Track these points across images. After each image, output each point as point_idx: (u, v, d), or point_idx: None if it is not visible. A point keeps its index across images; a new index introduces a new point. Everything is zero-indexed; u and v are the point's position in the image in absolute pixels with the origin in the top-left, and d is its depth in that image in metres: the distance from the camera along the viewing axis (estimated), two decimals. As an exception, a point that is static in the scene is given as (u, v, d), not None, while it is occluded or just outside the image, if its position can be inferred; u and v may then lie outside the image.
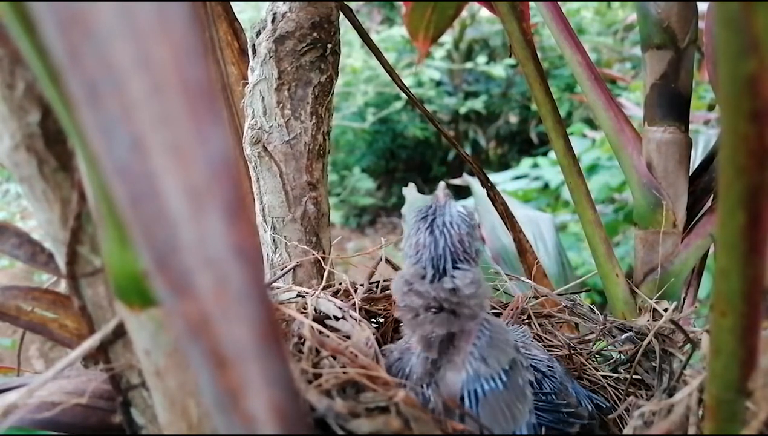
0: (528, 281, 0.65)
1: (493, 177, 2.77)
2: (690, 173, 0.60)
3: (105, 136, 0.18)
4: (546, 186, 2.61)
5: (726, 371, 0.27)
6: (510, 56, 0.66)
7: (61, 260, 0.31)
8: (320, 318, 0.49)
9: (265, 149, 0.56)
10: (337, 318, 0.48)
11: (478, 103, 3.87)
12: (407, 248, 0.42)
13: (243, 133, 0.58)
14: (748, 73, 0.20)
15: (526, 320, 0.60)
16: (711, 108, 1.96)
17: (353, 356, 0.39)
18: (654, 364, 0.48)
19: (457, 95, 4.04)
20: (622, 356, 0.55)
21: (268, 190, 0.58)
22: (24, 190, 0.31)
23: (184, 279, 0.18)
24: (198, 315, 0.18)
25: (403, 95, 1.04)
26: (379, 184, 4.25)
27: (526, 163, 2.86)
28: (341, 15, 0.57)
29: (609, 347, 0.57)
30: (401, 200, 1.44)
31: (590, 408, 0.46)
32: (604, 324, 0.55)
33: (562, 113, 2.68)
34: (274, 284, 0.56)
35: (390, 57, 3.80)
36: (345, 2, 0.58)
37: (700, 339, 0.43)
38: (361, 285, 0.56)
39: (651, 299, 0.58)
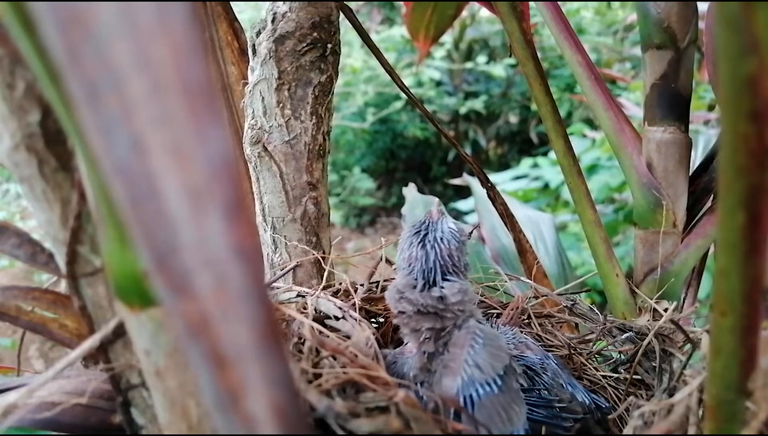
0: (528, 281, 0.65)
1: (493, 177, 2.77)
2: (690, 173, 0.60)
3: (105, 136, 0.18)
4: (546, 186, 2.61)
5: (726, 371, 0.27)
6: (510, 56, 0.66)
7: (61, 260, 0.31)
8: (320, 318, 0.49)
9: (265, 149, 0.56)
10: (337, 318, 0.48)
11: (478, 103, 3.87)
12: (400, 260, 0.46)
13: (243, 133, 0.58)
14: (748, 73, 0.20)
15: (526, 320, 0.60)
16: (711, 108, 1.96)
17: (353, 356, 0.39)
18: (654, 364, 0.48)
19: (457, 95, 4.04)
20: (622, 356, 0.55)
21: (268, 190, 0.58)
22: (24, 190, 0.31)
23: (184, 279, 0.18)
24: (198, 315, 0.18)
25: (403, 95, 1.04)
26: (379, 184, 4.25)
27: (526, 163, 2.86)
28: (341, 15, 0.57)
29: (609, 347, 0.57)
30: (401, 200, 1.44)
31: (587, 403, 0.46)
32: (604, 324, 0.55)
33: (562, 113, 2.68)
34: (274, 284, 0.56)
35: (390, 57, 3.80)
36: (345, 2, 0.58)
37: (700, 339, 0.43)
38: (361, 285, 0.56)
39: (651, 299, 0.58)
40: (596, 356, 0.58)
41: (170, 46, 0.18)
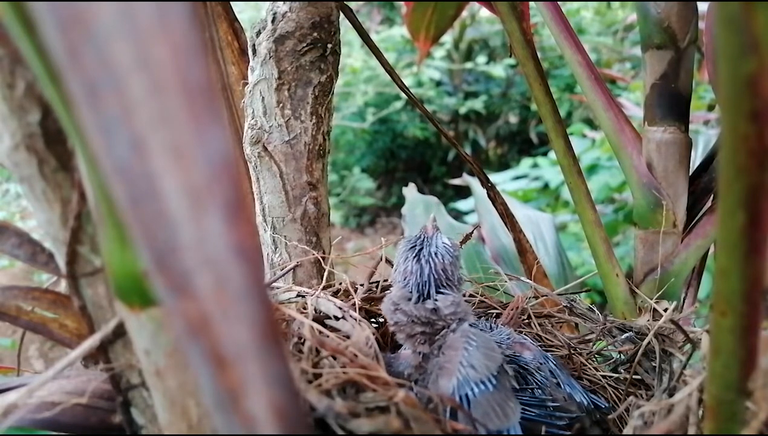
0: (528, 281, 0.65)
1: (493, 177, 2.77)
2: (690, 173, 0.60)
3: (105, 136, 0.18)
4: (546, 186, 2.61)
5: (726, 371, 0.27)
6: (510, 56, 0.66)
7: (61, 260, 0.31)
8: (320, 318, 0.49)
9: (265, 149, 0.56)
10: (337, 318, 0.48)
11: (478, 103, 3.87)
12: (396, 274, 0.48)
13: (243, 133, 0.58)
14: (748, 73, 0.20)
15: (526, 320, 0.60)
16: (711, 108, 1.96)
17: (353, 356, 0.39)
18: (654, 364, 0.48)
19: (457, 95, 4.04)
20: (622, 356, 0.55)
21: (268, 190, 0.58)
22: (24, 190, 0.31)
23: (184, 279, 0.18)
24: (198, 315, 0.18)
25: (403, 95, 1.04)
26: (379, 184, 4.25)
27: (526, 163, 2.86)
28: (341, 15, 0.57)
29: (609, 347, 0.57)
30: (401, 200, 1.44)
31: (586, 403, 0.46)
32: (604, 324, 0.55)
33: (562, 113, 2.68)
34: (274, 284, 0.56)
35: (390, 57, 3.80)
36: (345, 2, 0.58)
37: (700, 339, 0.43)
38: (361, 285, 0.56)
39: (651, 299, 0.58)
40: (596, 356, 0.58)
41: (170, 46, 0.18)
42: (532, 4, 0.66)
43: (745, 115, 0.21)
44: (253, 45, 0.56)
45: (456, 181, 1.97)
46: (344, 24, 0.59)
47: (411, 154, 4.26)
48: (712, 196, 0.60)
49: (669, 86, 0.57)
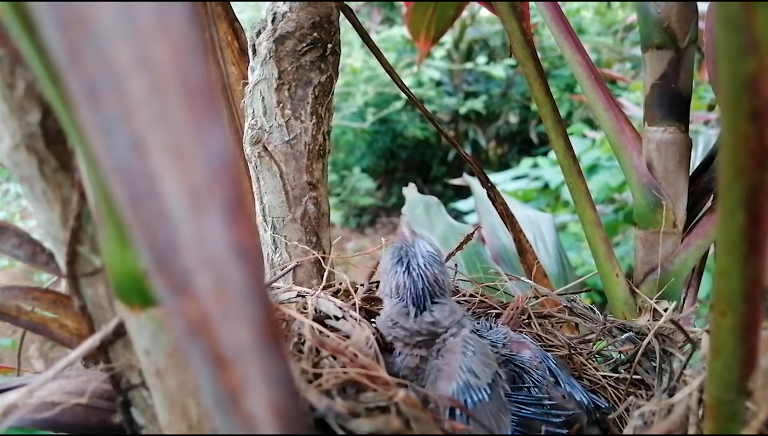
0: (528, 281, 0.65)
1: (493, 177, 2.77)
2: (690, 173, 0.60)
3: (105, 136, 0.18)
4: (546, 186, 2.61)
5: (726, 371, 0.27)
6: (510, 56, 0.66)
7: (61, 260, 0.31)
8: (320, 318, 0.48)
9: (265, 149, 0.56)
10: (337, 318, 0.48)
11: (478, 103, 3.87)
12: (386, 288, 0.48)
13: (243, 133, 0.58)
14: (748, 73, 0.20)
15: (526, 320, 0.60)
16: (711, 108, 1.96)
17: (353, 356, 0.39)
18: (654, 364, 0.48)
19: (457, 95, 4.04)
20: (622, 356, 0.55)
21: (268, 190, 0.58)
22: (24, 190, 0.31)
23: (184, 279, 0.18)
24: (198, 315, 0.18)
25: (403, 95, 1.04)
26: (379, 184, 4.25)
27: (526, 163, 2.86)
28: (341, 15, 0.57)
29: (609, 347, 0.57)
30: (401, 200, 1.44)
31: (586, 403, 0.46)
32: (604, 324, 0.55)
33: (562, 113, 2.68)
34: (274, 284, 0.56)
35: (390, 57, 3.80)
36: (345, 2, 0.58)
37: (700, 339, 0.43)
38: (361, 285, 0.56)
39: (651, 299, 0.58)
40: (596, 356, 0.58)
41: (170, 46, 0.18)
42: (532, 4, 0.66)
43: (745, 115, 0.21)
44: (253, 45, 0.56)
45: (456, 181, 1.97)
46: (344, 24, 0.59)
47: (411, 154, 4.26)
48: (712, 196, 0.60)
49: (669, 86, 0.57)
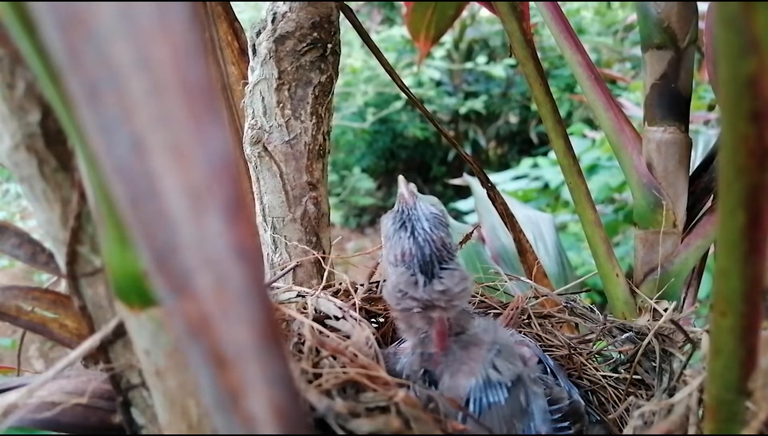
0: (528, 281, 0.65)
1: (493, 177, 2.77)
2: (690, 173, 0.60)
3: (105, 136, 0.18)
4: (546, 186, 2.61)
5: (726, 371, 0.27)
6: (510, 56, 0.66)
7: (61, 260, 0.31)
8: (320, 318, 0.49)
9: (265, 149, 0.56)
10: (337, 318, 0.48)
11: (478, 103, 3.87)
12: (391, 256, 0.44)
13: (243, 133, 0.58)
14: (748, 73, 0.20)
15: (526, 320, 0.60)
16: (711, 108, 1.96)
17: (353, 356, 0.39)
18: (654, 364, 0.48)
19: (457, 95, 4.04)
20: (622, 356, 0.55)
21: (268, 190, 0.58)
22: (24, 190, 0.31)
23: (184, 279, 0.18)
24: (198, 315, 0.18)
25: (403, 95, 1.04)
26: (379, 184, 4.24)
27: (526, 163, 2.86)
28: (341, 15, 0.57)
29: (609, 347, 0.57)
30: (401, 200, 1.44)
31: (584, 405, 0.46)
32: (604, 324, 0.55)
33: (562, 113, 2.68)
34: (274, 284, 0.56)
35: (390, 57, 3.80)
36: (345, 2, 0.58)
37: (700, 339, 0.43)
38: (361, 285, 0.56)
39: (651, 299, 0.58)
40: (596, 356, 0.58)
41: (170, 46, 0.18)
42: (532, 4, 0.66)
43: (745, 115, 0.21)
44: (253, 45, 0.56)
45: (456, 181, 1.97)
46: (344, 24, 0.59)
47: (411, 154, 4.26)
48: (712, 196, 0.60)
49: (669, 86, 0.57)
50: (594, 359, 0.58)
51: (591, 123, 3.22)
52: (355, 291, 0.54)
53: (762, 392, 0.27)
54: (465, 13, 3.68)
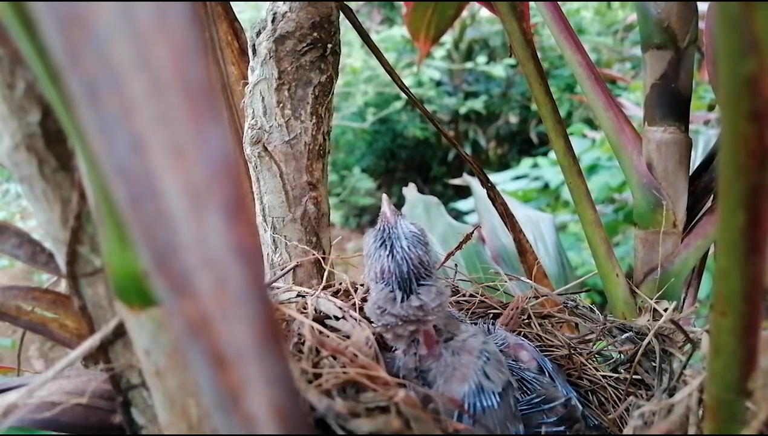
0: (528, 281, 0.65)
1: (493, 177, 2.77)
2: (690, 173, 0.60)
3: (105, 136, 0.18)
4: (546, 186, 2.61)
5: (726, 371, 0.27)
6: (510, 56, 0.66)
7: (61, 260, 0.31)
8: (320, 318, 0.49)
9: (265, 149, 0.56)
10: (337, 318, 0.48)
11: (478, 103, 3.87)
12: (371, 273, 0.46)
13: (243, 133, 0.58)
14: (748, 73, 0.20)
15: (526, 320, 0.60)
16: (711, 108, 1.96)
17: (353, 356, 0.39)
18: (654, 364, 0.48)
19: (457, 95, 4.04)
20: (622, 356, 0.55)
21: (268, 190, 0.58)
22: (24, 190, 0.31)
23: (184, 279, 0.18)
24: (198, 315, 0.18)
25: (403, 95, 1.04)
26: (379, 184, 4.24)
27: (526, 163, 2.86)
28: (341, 15, 0.57)
29: (609, 347, 0.57)
30: (401, 200, 1.44)
31: (581, 409, 0.46)
32: (604, 324, 0.55)
33: (562, 113, 2.68)
34: (274, 284, 0.56)
35: (390, 57, 3.80)
36: (345, 2, 0.58)
37: (700, 339, 0.43)
38: (361, 285, 0.56)
39: (651, 299, 0.58)
40: (596, 356, 0.58)
41: (170, 46, 0.18)
42: (532, 4, 0.66)
43: (745, 115, 0.21)
44: (253, 45, 0.56)
45: (456, 181, 1.97)
46: (344, 24, 0.59)
47: (411, 154, 4.26)
48: (712, 196, 0.60)
49: (669, 86, 0.57)
50: (594, 359, 0.58)
51: (591, 123, 3.22)
52: (355, 291, 0.54)
53: (762, 392, 0.27)
54: (465, 13, 3.68)
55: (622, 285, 0.61)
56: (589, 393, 0.54)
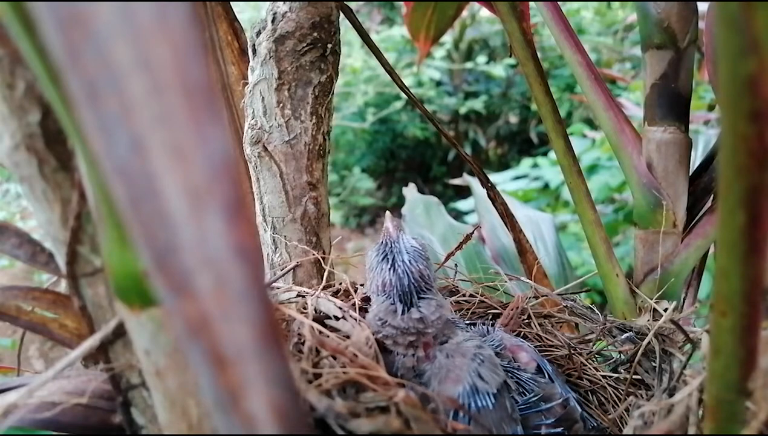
0: (528, 281, 0.65)
1: (493, 177, 2.77)
2: (690, 173, 0.60)
3: (105, 136, 0.18)
4: (546, 186, 2.61)
5: (726, 371, 0.27)
6: (510, 56, 0.66)
7: (61, 260, 0.31)
8: (320, 318, 0.48)
9: (265, 149, 0.56)
10: (337, 318, 0.48)
11: (478, 103, 3.87)
12: (373, 286, 0.48)
13: (243, 133, 0.58)
14: (748, 73, 0.20)
15: (526, 320, 0.60)
16: (711, 108, 1.96)
17: (353, 356, 0.39)
18: (654, 364, 0.48)
19: (457, 95, 4.04)
20: (622, 356, 0.55)
21: (268, 190, 0.58)
22: (24, 190, 0.31)
23: (184, 279, 0.18)
24: (198, 315, 0.18)
25: (403, 95, 1.04)
26: (379, 184, 4.24)
27: (526, 163, 2.86)
28: (341, 15, 0.57)
29: (609, 347, 0.57)
30: (401, 200, 1.44)
31: (580, 411, 0.46)
32: (604, 324, 0.55)
33: (562, 113, 2.68)
34: (274, 284, 0.56)
35: (390, 57, 3.80)
36: (345, 2, 0.58)
37: (700, 339, 0.43)
38: (361, 285, 0.56)
39: (651, 299, 0.58)
40: (596, 356, 0.58)
41: (170, 46, 0.18)
42: (532, 4, 0.66)
43: (745, 115, 0.21)
44: (253, 45, 0.56)
45: (456, 181, 1.97)
46: (344, 24, 0.59)
47: (411, 154, 4.26)
48: (712, 196, 0.60)
49: (669, 86, 0.57)
50: (594, 359, 0.58)
51: (591, 123, 3.22)
52: (355, 291, 0.54)
53: (762, 392, 0.27)
54: (465, 13, 3.68)
55: (622, 285, 0.61)
56: (589, 393, 0.54)
